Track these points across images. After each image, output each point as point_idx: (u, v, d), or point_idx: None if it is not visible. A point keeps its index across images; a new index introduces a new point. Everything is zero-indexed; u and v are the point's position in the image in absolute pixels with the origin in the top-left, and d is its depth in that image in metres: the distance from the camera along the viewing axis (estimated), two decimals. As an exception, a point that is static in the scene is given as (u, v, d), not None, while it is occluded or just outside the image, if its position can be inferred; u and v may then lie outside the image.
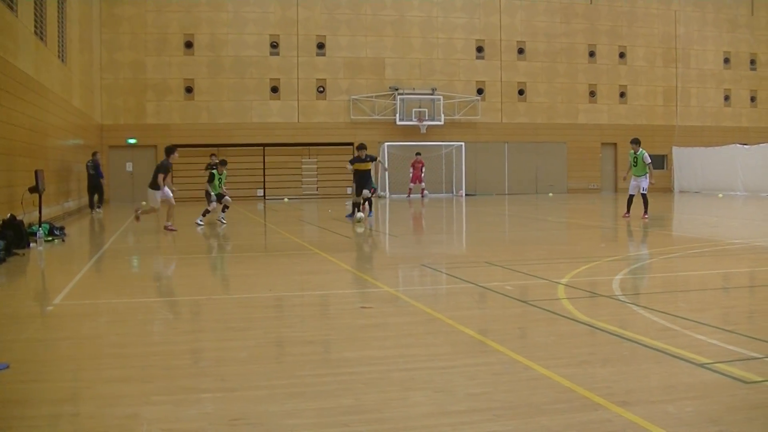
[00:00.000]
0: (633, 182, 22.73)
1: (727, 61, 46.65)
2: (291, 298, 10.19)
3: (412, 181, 38.13)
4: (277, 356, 6.97)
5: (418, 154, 38.26)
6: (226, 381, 5.91)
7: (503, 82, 41.87)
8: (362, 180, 22.17)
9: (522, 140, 41.48)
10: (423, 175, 38.09)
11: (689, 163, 43.69)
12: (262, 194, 38.52)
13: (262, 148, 38.31)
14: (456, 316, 8.45)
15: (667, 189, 43.77)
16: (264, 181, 38.56)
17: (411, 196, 38.03)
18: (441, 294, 10.71)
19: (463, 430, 4.86)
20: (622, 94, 44.27)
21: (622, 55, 44.34)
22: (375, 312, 8.89)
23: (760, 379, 5.96)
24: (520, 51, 42.26)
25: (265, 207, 32.47)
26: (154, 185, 19.16)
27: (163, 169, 19.29)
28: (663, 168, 44.43)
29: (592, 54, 43.62)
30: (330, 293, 10.54)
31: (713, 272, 12.70)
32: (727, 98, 46.68)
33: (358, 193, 22.12)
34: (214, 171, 22.11)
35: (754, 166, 39.37)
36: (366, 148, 22.91)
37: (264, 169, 38.51)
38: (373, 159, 23.08)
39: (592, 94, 43.59)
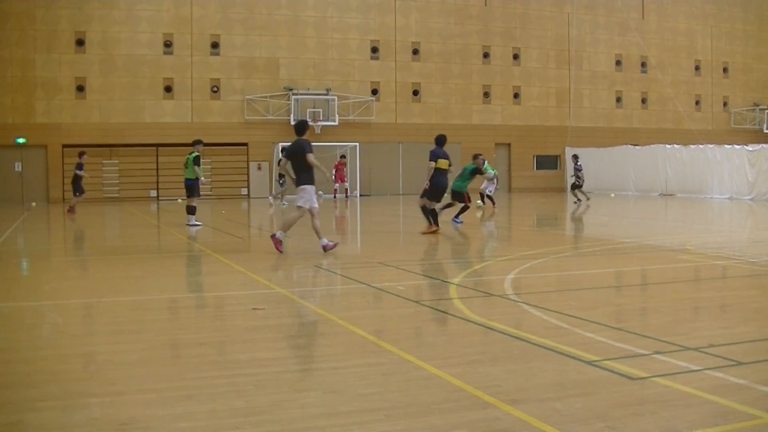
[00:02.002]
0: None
1: (618, 63, 49.99)
2: (183, 300, 10.60)
3: (337, 181, 39.24)
4: (169, 359, 7.18)
5: (342, 156, 39.94)
6: (115, 385, 6.06)
7: (398, 83, 44.11)
8: (442, 181, 19.04)
9: (416, 140, 43.02)
10: (346, 175, 39.60)
11: (582, 163, 46.41)
12: (155, 195, 39.58)
13: (155, 148, 39.45)
14: (348, 317, 8.76)
15: (559, 189, 46.52)
16: (157, 182, 39.75)
17: (337, 196, 39.06)
18: (334, 295, 11.03)
19: (353, 430, 5.09)
20: (516, 95, 47.04)
21: (515, 57, 47.08)
22: (267, 313, 9.10)
23: (646, 375, 6.33)
24: (415, 52, 44.53)
25: (158, 208, 33.05)
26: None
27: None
28: (556, 168, 47.44)
29: (486, 55, 46.24)
30: (222, 295, 10.71)
31: (604, 271, 13.36)
32: (618, 100, 50.04)
33: (436, 197, 19.25)
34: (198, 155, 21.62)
35: (645, 167, 42.44)
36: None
37: (157, 169, 39.76)
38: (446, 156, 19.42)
39: (486, 94, 46.23)
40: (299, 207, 15.28)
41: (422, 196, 19.28)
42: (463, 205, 22.11)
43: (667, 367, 6.56)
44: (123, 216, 27.83)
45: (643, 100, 50.75)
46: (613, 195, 41.08)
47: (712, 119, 52.79)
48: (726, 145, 39.55)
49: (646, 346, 7.29)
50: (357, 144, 41.42)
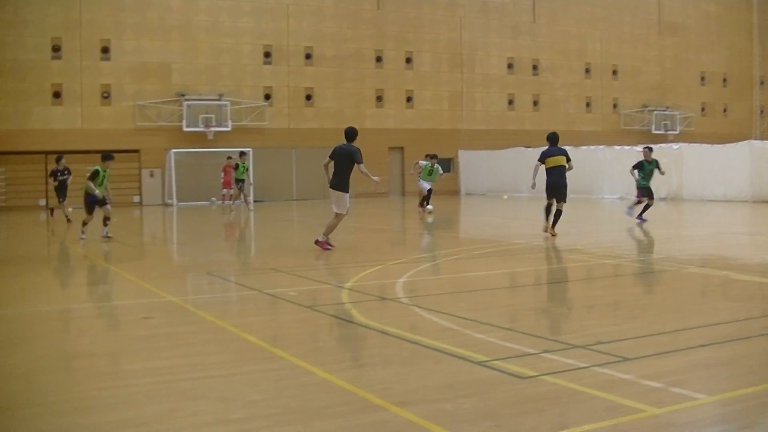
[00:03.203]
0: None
1: (510, 66, 52.03)
2: (73, 310, 10.60)
3: (224, 187, 39.95)
4: (58, 371, 7.18)
5: (229, 158, 40.40)
6: (2, 400, 6.09)
7: (291, 88, 45.12)
8: (555, 179, 18.74)
9: (310, 145, 44.03)
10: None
11: (475, 165, 48.22)
12: (44, 204, 39.10)
13: (44, 155, 38.99)
14: (240, 324, 9.02)
15: (453, 192, 48.11)
16: (46, 190, 39.02)
17: (226, 202, 39.54)
18: (226, 302, 11.26)
19: None
20: (409, 99, 48.55)
21: (408, 60, 48.57)
22: (158, 322, 9.28)
23: (534, 373, 6.58)
24: (308, 56, 45.58)
25: (47, 217, 32.96)
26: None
27: None
28: (449, 171, 49.05)
29: (379, 59, 47.63)
30: (114, 305, 10.96)
31: (495, 272, 13.80)
32: (510, 102, 52.08)
33: (553, 195, 18.91)
34: (98, 168, 20.28)
35: (537, 168, 44.15)
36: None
37: (46, 177, 39.55)
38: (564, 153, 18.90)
39: (380, 98, 47.64)
40: (338, 213, 16.51)
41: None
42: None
43: (556, 365, 6.84)
44: (9, 225, 27.98)
45: (535, 103, 52.91)
46: (506, 197, 42.48)
47: (603, 121, 55.37)
48: (616, 146, 41.76)
49: (535, 345, 7.59)
50: (250, 149, 41.31)
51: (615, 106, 55.89)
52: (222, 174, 39.59)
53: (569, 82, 53.93)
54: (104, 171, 20.18)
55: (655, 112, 56.33)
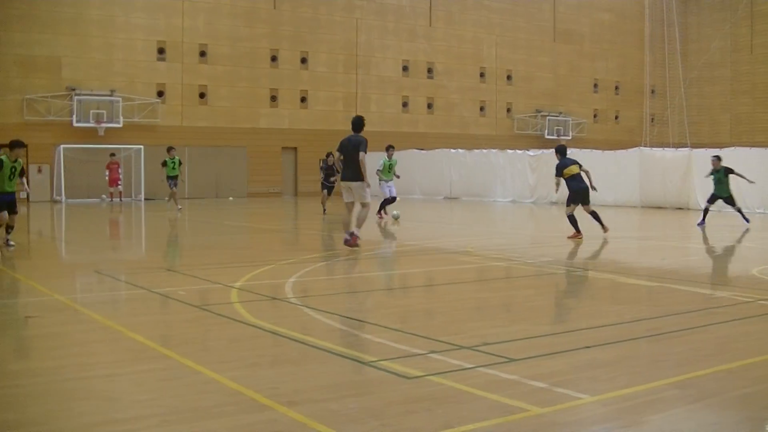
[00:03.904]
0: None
1: (405, 69, 52.79)
2: None
3: (110, 185, 39.72)
4: None
5: (112, 155, 40.27)
6: None
7: (184, 85, 45.04)
8: (577, 185, 19.68)
9: (203, 144, 44.31)
10: (120, 177, 40.16)
11: (369, 167, 48.06)
12: None
13: None
14: (128, 323, 8.93)
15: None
16: None
17: (114, 200, 39.56)
18: (114, 301, 11.12)
19: None
20: (303, 99, 48.87)
21: (304, 61, 48.89)
22: (43, 321, 9.11)
23: (421, 373, 6.71)
24: (203, 54, 45.54)
25: None
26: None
27: None
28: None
29: (274, 58, 47.82)
30: None
31: (385, 273, 14.26)
32: (405, 105, 52.85)
33: (576, 201, 19.82)
34: (2, 158, 17.36)
35: (431, 171, 45.19)
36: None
37: None
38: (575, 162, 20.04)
39: (274, 98, 47.81)
40: (366, 204, 16.73)
41: (568, 205, 19.88)
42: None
43: (442, 366, 6.99)
44: None
45: (429, 106, 53.74)
46: (398, 198, 43.01)
47: (496, 125, 56.56)
48: (509, 150, 42.89)
49: (422, 346, 7.75)
50: (142, 147, 41.91)
51: (509, 110, 57.16)
52: (107, 172, 39.22)
53: (464, 86, 54.93)
54: (13, 161, 17.26)
55: (548, 118, 57.82)
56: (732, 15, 61.04)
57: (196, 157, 44.27)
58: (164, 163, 32.02)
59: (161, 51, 44.51)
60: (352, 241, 16.59)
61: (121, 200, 39.35)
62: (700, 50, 62.74)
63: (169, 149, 32.52)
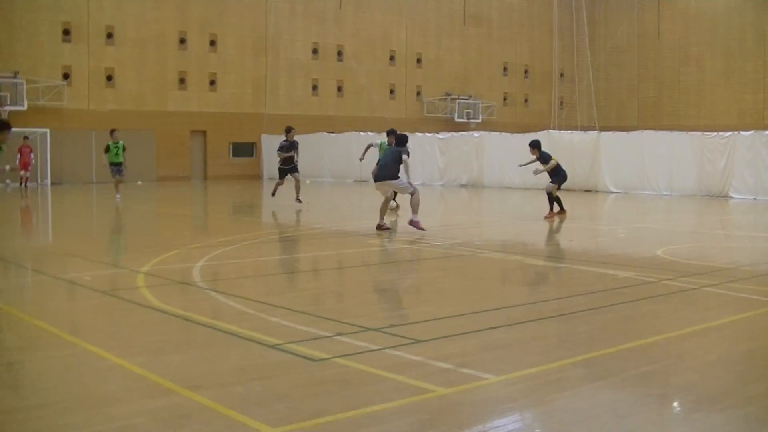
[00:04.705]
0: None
1: (315, 52, 53.10)
2: None
3: (22, 169, 39.18)
4: None
5: (25, 138, 39.52)
6: None
7: (91, 68, 44.57)
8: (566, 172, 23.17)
9: (110, 128, 43.61)
10: (32, 162, 39.51)
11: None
12: None
13: None
14: (32, 310, 8.93)
15: (256, 176, 48.93)
16: None
17: (22, 185, 38.80)
18: (18, 288, 10.97)
19: (30, 426, 5.20)
20: (212, 83, 48.86)
21: (212, 44, 48.87)
22: None
23: (327, 356, 6.81)
24: (109, 36, 45.12)
25: None
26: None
27: None
28: (252, 156, 49.75)
29: (182, 41, 47.70)
30: None
31: (294, 256, 14.49)
32: (314, 88, 53.17)
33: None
34: None
35: (340, 154, 45.55)
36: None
37: None
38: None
39: (182, 81, 47.73)
40: (414, 191, 17.77)
41: (559, 188, 21.92)
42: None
43: (348, 348, 7.10)
44: None
45: (339, 89, 54.16)
46: (308, 181, 43.33)
47: (406, 108, 57.23)
48: (419, 133, 43.32)
49: (329, 328, 7.85)
50: (47, 131, 41.42)
51: (419, 94, 57.89)
52: (18, 155, 38.70)
53: (373, 70, 55.46)
54: None
55: (457, 101, 58.71)
56: (639, 1, 62.64)
57: (103, 141, 42.81)
58: (107, 149, 28.76)
59: (66, 32, 43.87)
60: (418, 225, 17.46)
61: (27, 185, 38.66)
62: (608, 35, 64.44)
63: (112, 132, 29.36)
